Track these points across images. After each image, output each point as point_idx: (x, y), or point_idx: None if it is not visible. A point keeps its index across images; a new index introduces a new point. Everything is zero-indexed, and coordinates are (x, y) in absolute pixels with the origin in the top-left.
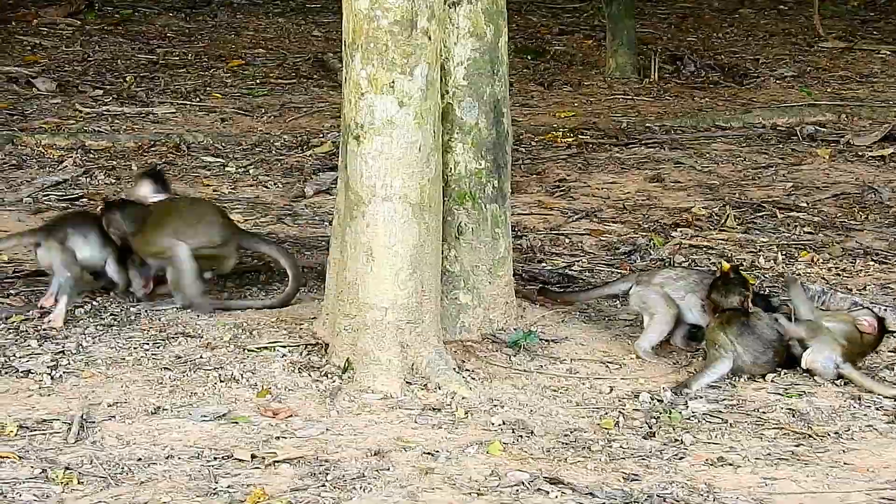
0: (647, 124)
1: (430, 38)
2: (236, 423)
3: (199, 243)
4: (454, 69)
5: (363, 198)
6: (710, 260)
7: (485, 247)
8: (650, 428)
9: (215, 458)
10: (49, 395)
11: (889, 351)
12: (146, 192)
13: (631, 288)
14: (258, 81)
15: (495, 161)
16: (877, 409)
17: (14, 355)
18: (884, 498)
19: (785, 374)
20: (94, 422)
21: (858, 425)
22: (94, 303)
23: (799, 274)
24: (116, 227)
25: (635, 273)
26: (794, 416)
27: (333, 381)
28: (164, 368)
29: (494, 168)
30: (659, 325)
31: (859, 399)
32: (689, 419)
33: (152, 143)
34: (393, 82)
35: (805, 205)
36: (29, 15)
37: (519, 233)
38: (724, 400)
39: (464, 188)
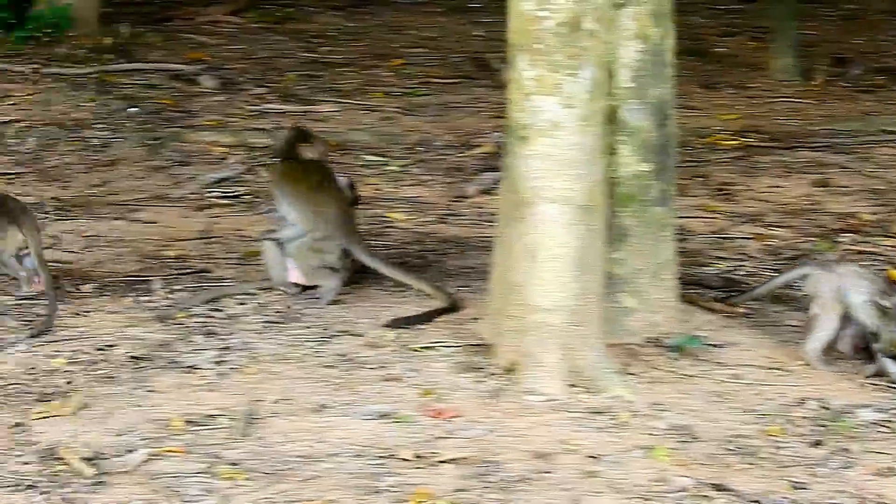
0: (812, 127)
1: (596, 40)
2: (399, 422)
3: (303, 227)
4: (620, 71)
5: (527, 199)
6: (877, 266)
7: (649, 250)
8: (817, 436)
9: (379, 457)
10: (214, 390)
11: None
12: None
13: (811, 270)
14: (419, 80)
15: (660, 163)
16: None
17: (180, 351)
18: None
19: None
20: (258, 418)
21: None
22: (259, 300)
23: None
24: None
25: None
26: None
27: (497, 383)
28: (328, 366)
29: (659, 170)
30: (825, 324)
31: None
32: (857, 427)
33: None
34: (559, 83)
35: None
36: (191, 12)
37: (682, 236)
38: (892, 409)
39: (628, 191)
